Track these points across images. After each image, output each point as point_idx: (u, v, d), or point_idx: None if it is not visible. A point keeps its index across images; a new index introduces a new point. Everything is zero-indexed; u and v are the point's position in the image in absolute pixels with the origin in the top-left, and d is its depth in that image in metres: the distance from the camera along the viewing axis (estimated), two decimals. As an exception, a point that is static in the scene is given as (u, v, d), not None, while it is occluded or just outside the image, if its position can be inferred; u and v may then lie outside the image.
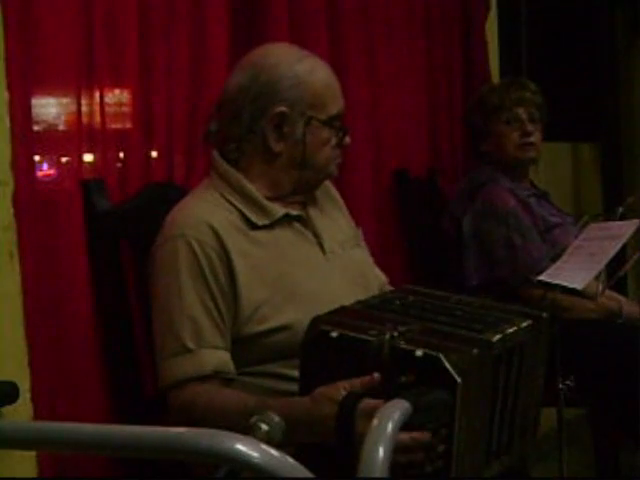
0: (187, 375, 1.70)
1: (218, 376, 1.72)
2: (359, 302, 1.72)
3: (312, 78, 1.83)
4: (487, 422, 1.58)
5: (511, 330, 1.61)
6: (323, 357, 1.56)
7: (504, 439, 1.65)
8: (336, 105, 1.86)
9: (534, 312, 1.72)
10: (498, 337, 1.56)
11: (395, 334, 1.52)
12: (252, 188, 1.83)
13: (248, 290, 1.74)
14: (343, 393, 1.51)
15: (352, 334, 1.55)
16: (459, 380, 1.46)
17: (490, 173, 2.91)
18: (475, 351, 1.51)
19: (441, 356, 1.47)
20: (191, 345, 1.71)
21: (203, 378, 1.70)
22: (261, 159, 1.85)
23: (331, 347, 1.55)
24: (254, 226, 1.80)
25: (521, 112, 2.93)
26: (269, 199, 1.84)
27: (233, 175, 1.84)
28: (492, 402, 1.59)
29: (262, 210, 1.82)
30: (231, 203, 1.81)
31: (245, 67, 1.86)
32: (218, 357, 1.72)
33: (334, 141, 1.87)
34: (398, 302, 1.71)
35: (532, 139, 2.93)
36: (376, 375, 1.50)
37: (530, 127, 2.93)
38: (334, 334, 1.55)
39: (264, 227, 1.81)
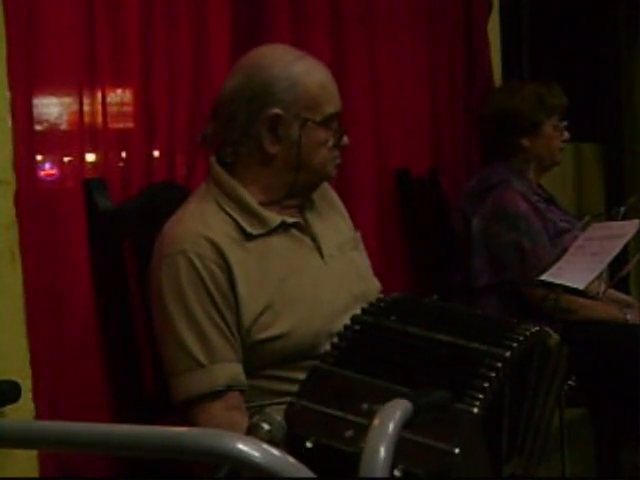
0: (201, 392, 1.70)
1: (231, 389, 1.71)
2: (354, 319, 1.65)
3: (307, 79, 1.80)
4: (494, 447, 1.55)
5: (511, 348, 1.54)
6: (304, 461, 1.53)
7: (517, 444, 1.62)
8: (332, 105, 1.83)
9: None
10: (479, 404, 1.47)
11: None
12: (247, 196, 1.81)
13: (247, 301, 1.73)
14: None
15: (327, 441, 1.49)
16: None
17: (503, 174, 2.90)
18: (457, 451, 1.43)
19: (421, 474, 1.41)
20: (204, 361, 1.71)
21: (217, 393, 1.70)
22: (257, 162, 1.82)
23: (309, 455, 1.49)
24: (250, 236, 1.78)
25: (564, 120, 3.01)
26: (264, 205, 1.82)
27: (228, 183, 1.82)
28: (498, 427, 1.55)
29: (258, 219, 1.80)
30: (226, 212, 1.80)
31: (240, 69, 1.84)
32: (230, 370, 1.72)
33: (331, 142, 1.84)
34: (394, 317, 1.64)
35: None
36: None
37: (567, 135, 3.01)
38: (309, 444, 1.49)
39: (260, 236, 1.79)
